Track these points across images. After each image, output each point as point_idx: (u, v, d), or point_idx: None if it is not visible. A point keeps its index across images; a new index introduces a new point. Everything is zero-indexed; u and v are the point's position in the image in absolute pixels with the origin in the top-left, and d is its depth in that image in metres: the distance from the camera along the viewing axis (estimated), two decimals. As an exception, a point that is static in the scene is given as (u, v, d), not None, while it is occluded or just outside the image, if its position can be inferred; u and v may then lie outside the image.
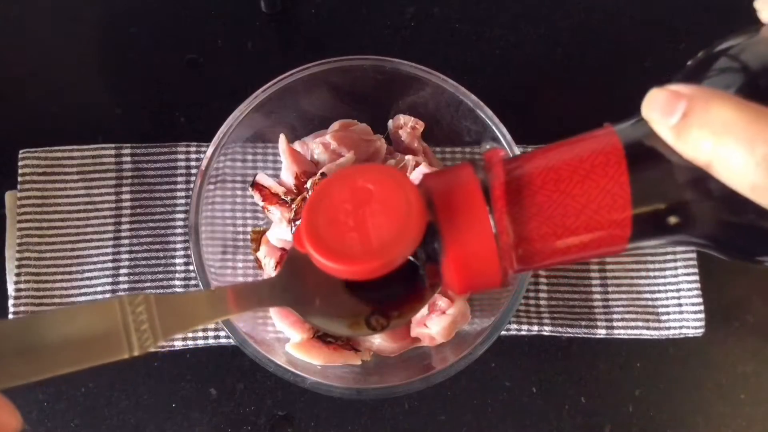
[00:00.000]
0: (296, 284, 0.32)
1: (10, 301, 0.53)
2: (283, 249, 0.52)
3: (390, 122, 0.55)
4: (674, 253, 0.55)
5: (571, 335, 0.54)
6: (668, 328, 0.54)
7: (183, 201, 0.56)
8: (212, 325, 0.53)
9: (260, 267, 0.53)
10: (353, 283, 0.31)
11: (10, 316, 0.51)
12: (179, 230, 0.55)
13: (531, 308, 0.55)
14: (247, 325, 0.49)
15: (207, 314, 0.29)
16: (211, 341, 0.53)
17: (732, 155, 0.23)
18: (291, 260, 0.33)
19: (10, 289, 0.53)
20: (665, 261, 0.55)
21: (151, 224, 0.55)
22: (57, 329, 0.25)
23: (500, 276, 0.29)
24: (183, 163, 0.56)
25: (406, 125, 0.54)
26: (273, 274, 0.51)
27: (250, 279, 0.53)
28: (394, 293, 0.31)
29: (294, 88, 0.50)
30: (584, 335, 0.54)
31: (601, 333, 0.54)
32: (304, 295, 0.32)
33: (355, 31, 0.61)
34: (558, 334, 0.54)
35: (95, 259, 0.54)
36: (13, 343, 0.24)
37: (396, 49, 0.60)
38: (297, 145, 0.53)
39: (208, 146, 0.49)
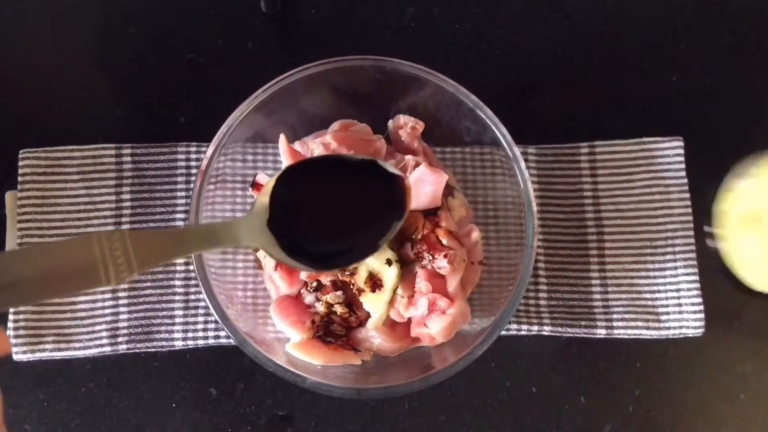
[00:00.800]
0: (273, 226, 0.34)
1: (10, 301, 0.53)
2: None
3: (390, 122, 0.55)
4: (674, 253, 0.55)
5: (571, 335, 0.54)
6: (668, 328, 0.54)
7: (183, 201, 0.56)
8: (212, 325, 0.53)
9: (260, 267, 0.53)
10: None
11: (11, 316, 0.51)
12: (179, 230, 0.55)
13: (531, 308, 0.55)
14: (247, 325, 0.49)
15: (178, 250, 0.31)
16: (211, 341, 0.53)
17: None
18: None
19: (10, 289, 0.53)
20: (665, 261, 0.55)
21: (151, 224, 0.55)
22: (39, 262, 0.27)
23: None
24: (183, 163, 0.56)
25: (406, 125, 0.54)
26: (273, 273, 0.51)
27: (250, 279, 0.53)
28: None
29: (294, 88, 0.50)
30: (584, 335, 0.54)
31: (601, 333, 0.54)
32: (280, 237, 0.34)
33: (355, 31, 0.61)
34: (558, 334, 0.54)
35: (95, 259, 0.54)
36: (6, 274, 0.26)
37: (396, 49, 0.60)
38: (297, 145, 0.53)
39: (208, 146, 0.49)
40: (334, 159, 0.39)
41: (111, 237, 0.28)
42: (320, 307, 0.50)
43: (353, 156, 0.41)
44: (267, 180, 0.52)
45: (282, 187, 0.38)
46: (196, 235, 0.33)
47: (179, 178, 0.56)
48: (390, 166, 0.37)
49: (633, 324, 0.54)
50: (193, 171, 0.56)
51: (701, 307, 0.54)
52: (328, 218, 0.37)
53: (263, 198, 0.36)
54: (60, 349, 0.53)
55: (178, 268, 0.55)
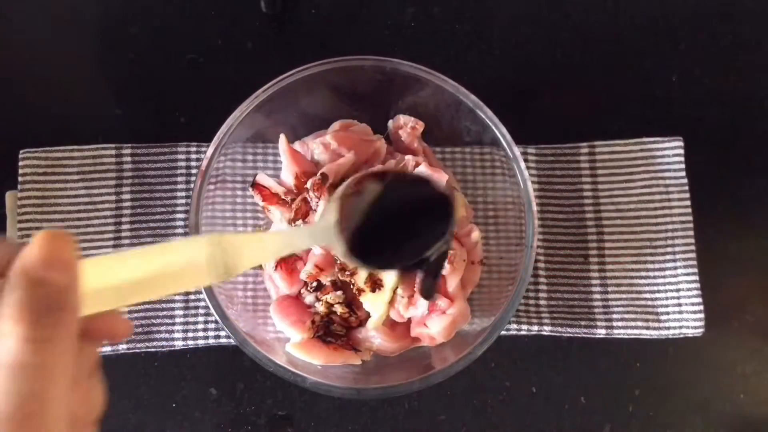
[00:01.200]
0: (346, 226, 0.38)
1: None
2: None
3: (390, 122, 0.55)
4: (674, 253, 0.55)
5: (571, 335, 0.54)
6: (668, 328, 0.54)
7: (183, 201, 0.56)
8: (212, 325, 0.53)
9: (260, 267, 0.53)
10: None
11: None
12: (179, 230, 0.55)
13: (531, 308, 0.55)
14: (247, 325, 0.49)
15: (268, 253, 0.36)
16: (211, 341, 0.53)
17: None
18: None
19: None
20: (665, 261, 0.55)
21: (151, 224, 0.55)
22: (158, 261, 0.30)
23: None
24: (183, 163, 0.56)
25: (406, 125, 0.54)
26: (273, 273, 0.51)
27: (250, 279, 0.53)
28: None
29: (294, 88, 0.50)
30: (584, 335, 0.54)
31: (601, 333, 0.54)
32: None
33: (355, 31, 0.61)
34: (558, 334, 0.54)
35: (95, 259, 0.54)
36: (129, 272, 0.29)
37: (396, 49, 0.60)
38: (297, 145, 0.53)
39: (208, 146, 0.49)
40: (392, 174, 0.43)
41: (212, 241, 0.31)
42: (320, 307, 0.50)
43: (409, 173, 0.46)
44: (268, 180, 0.52)
45: (345, 195, 0.41)
46: (280, 240, 0.36)
47: (179, 178, 0.56)
48: (440, 184, 0.41)
49: (633, 324, 0.54)
50: (193, 171, 0.56)
51: (701, 307, 0.54)
52: (385, 227, 0.41)
53: (334, 203, 0.40)
54: (60, 349, 0.53)
55: (178, 268, 0.55)
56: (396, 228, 0.40)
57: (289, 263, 0.51)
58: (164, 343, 0.53)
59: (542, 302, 0.55)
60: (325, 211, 0.40)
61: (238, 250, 0.32)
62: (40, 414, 0.24)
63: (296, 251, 0.40)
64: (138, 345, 0.53)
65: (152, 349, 0.53)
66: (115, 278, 0.29)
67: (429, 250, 0.39)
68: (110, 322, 0.30)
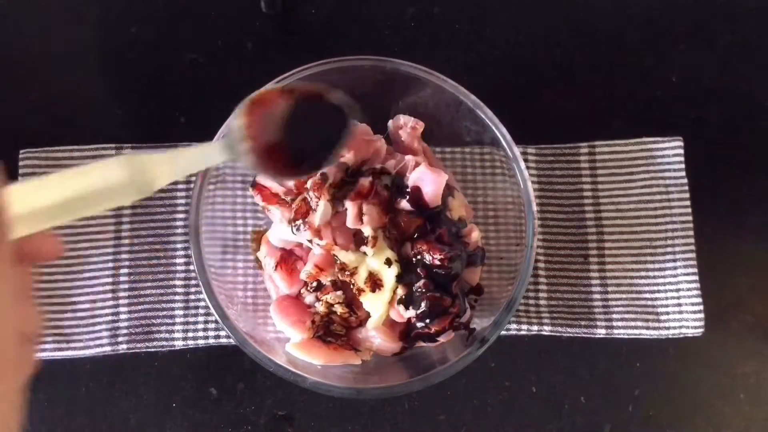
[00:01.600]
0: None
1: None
2: (282, 249, 0.52)
3: (390, 122, 0.55)
4: (674, 253, 0.55)
5: (571, 335, 0.54)
6: (668, 328, 0.54)
7: (183, 201, 0.56)
8: (212, 325, 0.53)
9: (260, 267, 0.53)
10: None
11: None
12: (179, 230, 0.55)
13: (531, 308, 0.55)
14: (248, 325, 0.49)
15: (178, 169, 0.37)
16: (211, 341, 0.53)
17: None
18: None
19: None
20: (665, 261, 0.55)
21: (151, 224, 0.55)
22: (74, 183, 0.33)
23: None
24: (183, 163, 0.56)
25: (406, 125, 0.54)
26: (273, 273, 0.51)
27: (250, 279, 0.53)
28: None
29: (294, 88, 0.50)
30: (584, 335, 0.54)
31: (601, 333, 0.54)
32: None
33: (355, 31, 0.61)
34: (558, 334, 0.54)
35: (95, 259, 0.54)
36: (44, 196, 0.32)
37: (396, 49, 0.60)
38: (297, 145, 0.53)
39: (208, 146, 0.49)
40: (297, 91, 0.44)
41: (128, 161, 0.34)
42: (320, 307, 0.50)
43: (305, 85, 0.46)
44: (267, 180, 0.52)
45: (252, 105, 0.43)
46: (191, 155, 0.39)
47: (179, 179, 0.56)
48: (336, 98, 0.43)
49: (633, 324, 0.54)
50: (193, 171, 0.56)
51: (701, 307, 0.54)
52: (292, 139, 0.43)
53: (238, 111, 0.42)
54: (60, 349, 0.53)
55: (178, 268, 0.55)
56: (302, 140, 0.43)
57: (289, 263, 0.51)
58: (164, 343, 0.53)
59: (542, 302, 0.55)
60: (230, 121, 0.42)
61: (153, 167, 0.35)
62: None
63: (209, 165, 0.42)
64: (138, 345, 0.53)
65: (152, 349, 0.53)
66: (40, 201, 0.32)
67: (329, 157, 0.43)
68: (41, 242, 0.33)
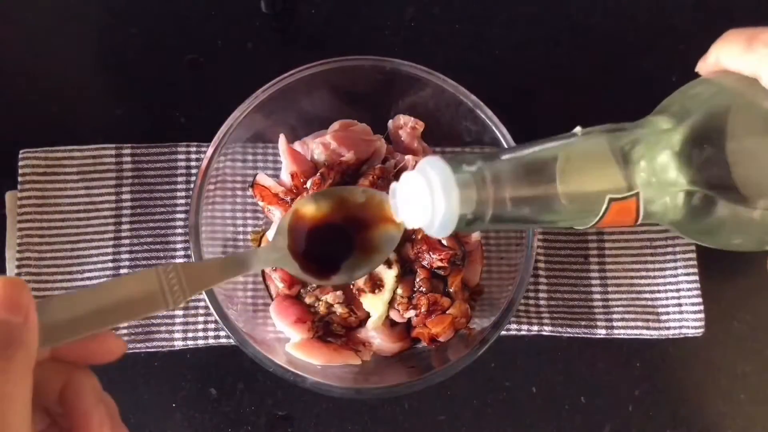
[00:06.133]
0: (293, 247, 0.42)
1: (11, 301, 0.53)
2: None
3: (390, 122, 0.55)
4: (674, 253, 0.55)
5: (571, 335, 0.54)
6: (668, 328, 0.54)
7: (183, 201, 0.56)
8: (212, 325, 0.53)
9: (260, 267, 0.53)
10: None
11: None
12: (179, 230, 0.55)
13: (531, 308, 0.55)
14: (248, 325, 0.49)
15: (221, 276, 0.38)
16: (211, 341, 0.53)
17: None
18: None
19: (11, 289, 0.53)
20: (665, 261, 0.55)
21: (151, 224, 0.55)
22: (112, 294, 0.33)
23: None
24: (183, 163, 0.56)
25: (406, 125, 0.54)
26: (273, 273, 0.51)
27: (250, 279, 0.53)
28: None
29: (294, 88, 0.50)
30: (584, 335, 0.54)
31: (601, 333, 0.54)
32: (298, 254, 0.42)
33: (355, 31, 0.61)
34: (558, 334, 0.54)
35: (95, 259, 0.54)
36: (85, 306, 0.32)
37: (396, 49, 0.60)
38: (297, 145, 0.53)
39: (208, 146, 0.49)
40: (339, 193, 0.45)
41: (167, 269, 0.35)
42: (320, 307, 0.50)
43: (357, 189, 0.46)
44: (268, 180, 0.52)
45: (294, 216, 0.44)
46: (233, 263, 0.40)
47: (179, 178, 0.56)
48: (391, 211, 0.41)
49: (633, 324, 0.54)
50: (193, 171, 0.56)
51: (701, 307, 0.54)
52: (334, 241, 0.44)
53: (283, 224, 0.43)
54: (60, 349, 0.53)
55: (178, 268, 0.55)
56: (342, 243, 0.44)
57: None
58: (164, 343, 0.53)
59: (542, 302, 0.55)
60: (275, 236, 0.43)
61: (191, 276, 0.36)
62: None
63: (249, 273, 0.44)
64: (138, 345, 0.53)
65: (152, 349, 0.53)
66: (75, 311, 0.32)
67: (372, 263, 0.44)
68: (100, 343, 0.33)
